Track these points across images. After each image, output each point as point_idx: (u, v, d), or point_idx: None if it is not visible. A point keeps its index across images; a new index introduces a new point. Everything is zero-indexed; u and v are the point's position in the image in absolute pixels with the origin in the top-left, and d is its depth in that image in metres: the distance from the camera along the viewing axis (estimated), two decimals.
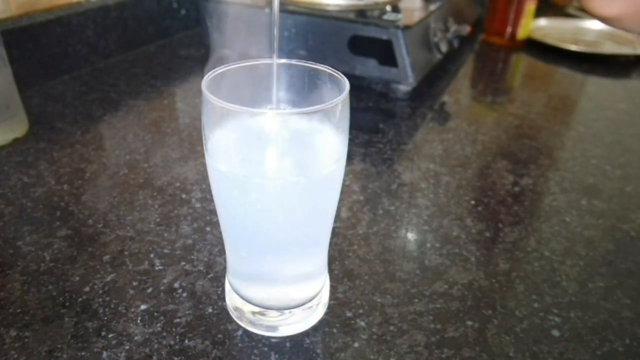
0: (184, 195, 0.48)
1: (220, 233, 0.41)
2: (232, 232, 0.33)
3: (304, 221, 0.31)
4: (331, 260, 0.41)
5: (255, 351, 0.33)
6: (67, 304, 0.36)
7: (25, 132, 0.57)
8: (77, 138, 0.57)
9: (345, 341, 0.34)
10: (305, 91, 0.32)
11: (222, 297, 0.37)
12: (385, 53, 0.67)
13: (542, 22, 1.01)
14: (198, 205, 0.47)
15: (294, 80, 0.32)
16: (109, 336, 0.34)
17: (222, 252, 0.41)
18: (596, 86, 0.81)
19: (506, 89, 0.80)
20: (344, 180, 0.42)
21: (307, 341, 0.34)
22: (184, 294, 0.37)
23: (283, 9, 0.70)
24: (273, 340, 0.34)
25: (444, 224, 0.46)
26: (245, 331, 0.34)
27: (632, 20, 0.22)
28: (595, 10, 0.22)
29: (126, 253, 0.41)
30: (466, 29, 0.82)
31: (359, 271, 0.40)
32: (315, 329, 0.35)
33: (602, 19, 0.22)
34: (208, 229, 0.44)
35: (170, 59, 0.81)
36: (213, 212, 0.45)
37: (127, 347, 0.33)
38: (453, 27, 0.81)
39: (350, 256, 0.41)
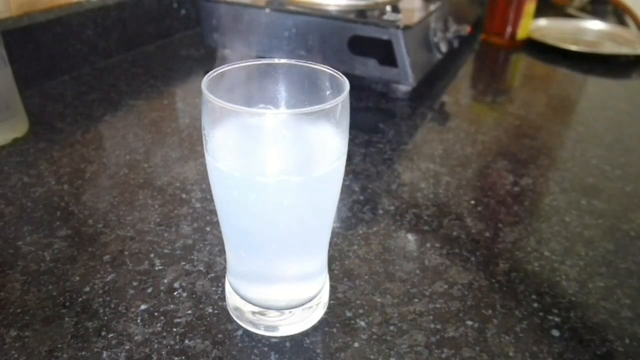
0: (184, 195, 0.48)
1: (220, 233, 0.41)
2: (232, 232, 0.33)
3: (304, 221, 0.31)
4: (331, 260, 0.41)
5: (255, 351, 0.33)
6: (67, 304, 0.36)
7: (25, 132, 0.57)
8: (77, 138, 0.57)
9: (345, 341, 0.34)
10: (305, 91, 0.32)
11: (222, 297, 0.37)
12: (385, 53, 0.67)
13: (542, 22, 1.01)
14: (198, 205, 0.47)
15: (294, 80, 0.32)
16: (109, 336, 0.34)
17: (222, 252, 0.41)
18: (596, 86, 0.81)
19: (506, 89, 0.80)
20: (344, 180, 0.42)
21: (307, 341, 0.34)
22: (184, 294, 0.37)
23: (283, 9, 0.70)
24: (273, 340, 0.34)
25: (444, 224, 0.46)
26: (245, 331, 0.34)
27: None
28: None
29: (126, 253, 0.41)
30: (466, 29, 0.82)
31: (359, 271, 0.40)
32: (315, 329, 0.35)
33: None
34: (208, 229, 0.44)
35: (170, 59, 0.81)
36: (213, 212, 0.45)
37: (127, 347, 0.33)
38: (453, 27, 0.81)
39: (350, 256, 0.41)
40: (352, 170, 0.53)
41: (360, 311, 0.36)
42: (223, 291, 0.37)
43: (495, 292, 0.38)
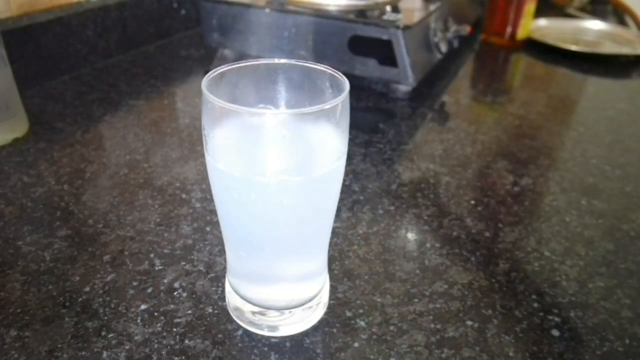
0: (184, 195, 0.48)
1: (220, 233, 0.41)
2: (232, 232, 0.33)
3: (304, 221, 0.31)
4: (331, 260, 0.41)
5: (255, 351, 0.33)
6: (67, 304, 0.36)
7: (25, 132, 0.57)
8: (77, 138, 0.57)
9: (345, 341, 0.34)
10: (305, 91, 0.32)
11: (222, 297, 0.37)
12: (385, 53, 0.67)
13: (542, 22, 1.01)
14: (198, 205, 0.47)
15: (294, 80, 0.32)
16: (109, 336, 0.34)
17: (222, 252, 0.41)
18: (596, 86, 0.81)
19: (506, 89, 0.80)
20: (344, 180, 0.42)
21: (307, 341, 0.34)
22: (184, 294, 0.37)
23: (283, 9, 0.70)
24: (273, 340, 0.34)
25: (444, 224, 0.46)
26: (245, 331, 0.34)
27: None
28: None
29: (126, 253, 0.41)
30: (466, 29, 0.82)
31: (359, 271, 0.40)
32: (315, 329, 0.35)
33: None
34: (208, 229, 0.44)
35: (170, 59, 0.81)
36: (213, 212, 0.45)
37: (127, 347, 0.33)
38: (453, 27, 0.81)
39: (350, 256, 0.41)
40: (352, 170, 0.53)
41: (360, 311, 0.36)
42: (223, 291, 0.37)
43: (495, 292, 0.38)
